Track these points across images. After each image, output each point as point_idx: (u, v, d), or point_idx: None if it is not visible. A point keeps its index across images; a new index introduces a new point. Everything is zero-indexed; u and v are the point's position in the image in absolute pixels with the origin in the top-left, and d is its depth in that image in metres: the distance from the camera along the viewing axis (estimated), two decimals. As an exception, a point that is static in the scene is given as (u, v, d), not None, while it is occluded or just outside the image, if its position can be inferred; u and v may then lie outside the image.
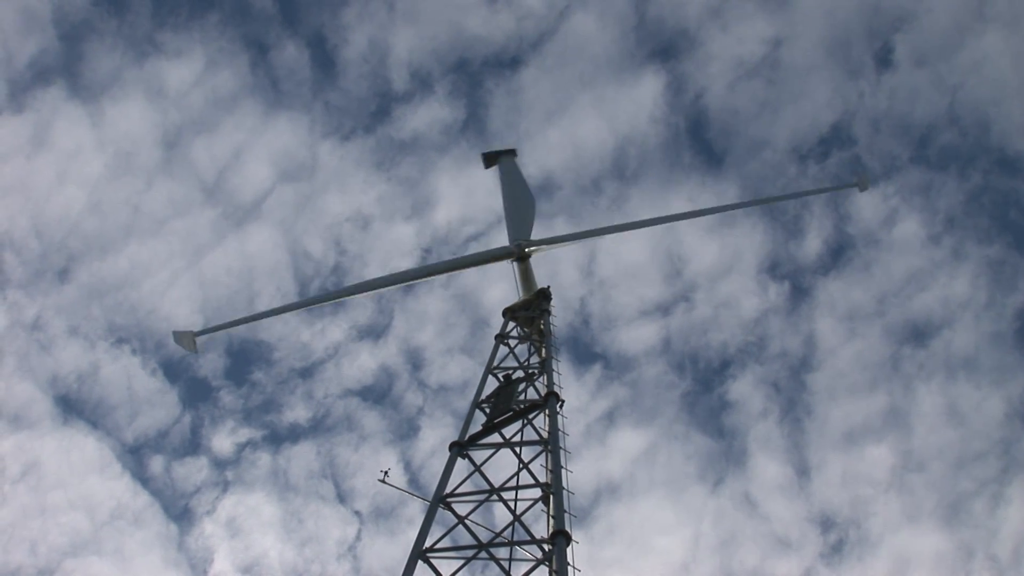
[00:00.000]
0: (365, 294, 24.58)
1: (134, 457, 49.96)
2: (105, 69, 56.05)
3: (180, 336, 23.24)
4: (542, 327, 21.70)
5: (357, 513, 47.99)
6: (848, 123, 55.48)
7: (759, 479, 47.40)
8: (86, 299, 52.46)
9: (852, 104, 55.69)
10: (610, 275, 50.63)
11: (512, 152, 30.58)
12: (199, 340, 23.23)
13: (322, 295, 25.41)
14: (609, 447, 47.22)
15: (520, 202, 27.07)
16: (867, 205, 51.85)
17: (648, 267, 52.39)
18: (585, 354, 49.01)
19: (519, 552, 14.83)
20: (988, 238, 51.40)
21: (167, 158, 56.20)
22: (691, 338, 51.53)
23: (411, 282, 24.53)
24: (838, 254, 53.05)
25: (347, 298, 24.10)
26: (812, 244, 52.68)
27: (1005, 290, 49.41)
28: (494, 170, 29.97)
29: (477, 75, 59.90)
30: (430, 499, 15.87)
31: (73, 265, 52.64)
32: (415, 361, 51.14)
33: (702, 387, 50.98)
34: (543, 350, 20.80)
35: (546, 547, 14.34)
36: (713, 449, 48.97)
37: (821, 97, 56.49)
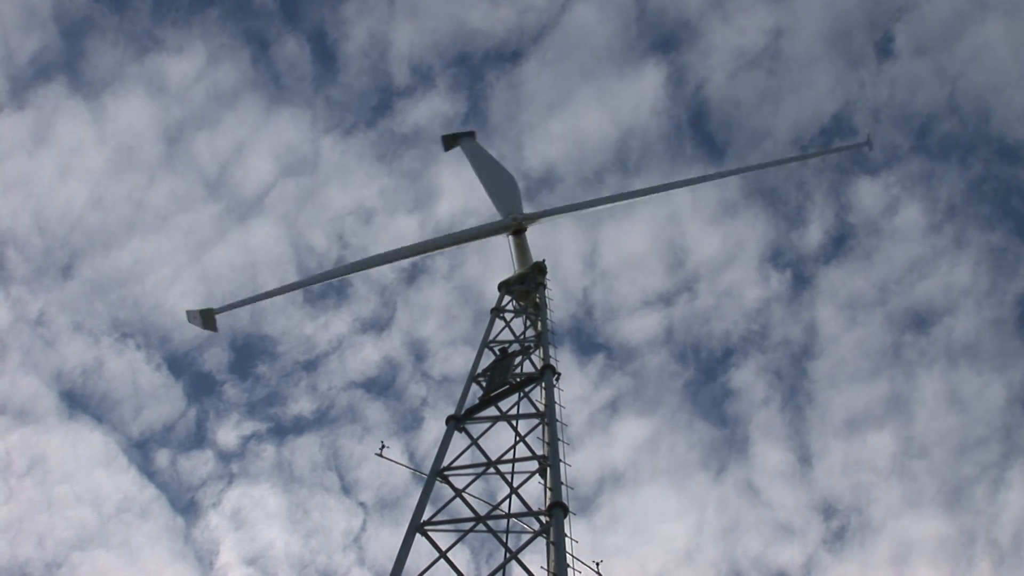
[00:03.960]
0: (365, 272, 24.50)
1: (140, 451, 50.35)
2: (106, 65, 56.22)
3: (196, 315, 21.60)
4: (537, 300, 21.69)
5: (362, 504, 48.36)
6: (849, 113, 55.57)
7: (761, 466, 47.86)
8: (89, 294, 52.69)
9: (853, 94, 55.73)
10: (612, 266, 50.86)
11: (471, 134, 30.49)
12: (218, 318, 21.60)
13: (332, 271, 25.42)
14: (612, 436, 47.55)
15: (499, 179, 26.94)
16: (868, 194, 52.00)
17: (650, 258, 52.58)
18: (588, 344, 49.21)
19: (516, 524, 14.92)
20: (989, 226, 51.56)
21: (169, 153, 56.41)
22: (693, 327, 51.80)
23: (413, 257, 24.55)
24: (840, 243, 53.31)
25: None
26: (814, 233, 52.92)
27: (1006, 277, 49.62)
28: (457, 153, 29.99)
29: (478, 69, 59.83)
30: (427, 473, 15.93)
31: (76, 261, 52.87)
32: (418, 353, 51.51)
33: (704, 376, 51.30)
34: (539, 323, 20.80)
35: (543, 519, 14.42)
36: (716, 437, 49.37)
37: (822, 87, 56.61)
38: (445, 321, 50.88)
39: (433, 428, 46.40)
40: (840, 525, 45.12)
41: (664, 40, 59.03)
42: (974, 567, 43.71)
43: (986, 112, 53.55)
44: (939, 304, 49.50)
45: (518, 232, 23.83)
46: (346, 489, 48.90)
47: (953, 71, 54.33)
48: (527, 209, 24.84)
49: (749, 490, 46.82)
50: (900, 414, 48.48)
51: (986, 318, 49.22)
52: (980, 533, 44.59)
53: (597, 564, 14.92)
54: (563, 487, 14.69)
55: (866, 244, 52.57)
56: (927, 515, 45.45)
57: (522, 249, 23.75)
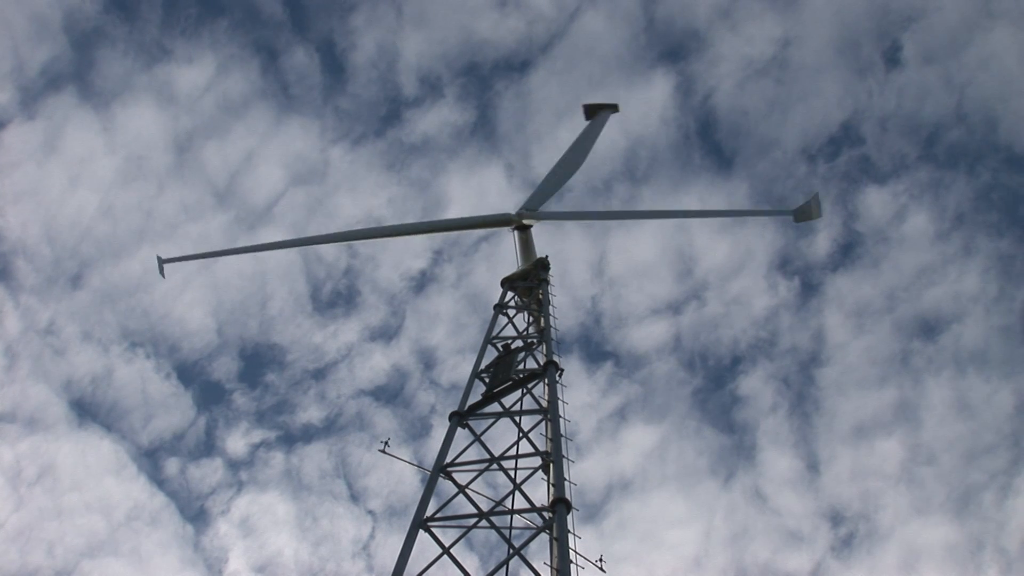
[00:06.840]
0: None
1: (149, 459, 50.34)
2: (116, 75, 56.51)
3: (160, 261, 25.41)
4: (540, 297, 21.67)
5: (370, 512, 48.33)
6: (857, 122, 55.40)
7: (769, 473, 47.70)
8: (99, 304, 52.79)
9: (861, 103, 55.58)
10: (621, 274, 50.87)
11: (613, 108, 30.30)
12: (166, 267, 25.22)
13: (312, 237, 25.98)
14: (620, 443, 47.51)
15: (567, 168, 26.78)
16: (876, 202, 51.95)
17: (659, 266, 52.57)
18: (596, 352, 49.14)
19: (519, 520, 14.91)
20: (997, 233, 51.50)
21: (178, 162, 56.61)
22: (702, 335, 51.67)
23: (413, 235, 24.82)
24: (848, 251, 53.16)
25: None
26: (822, 241, 52.74)
27: (1014, 284, 49.54)
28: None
29: (487, 78, 59.89)
30: (430, 469, 15.92)
31: (85, 270, 52.96)
32: (427, 361, 51.44)
33: (713, 383, 51.15)
34: (542, 320, 20.78)
35: (546, 515, 14.39)
36: (724, 444, 49.28)
37: (830, 96, 56.42)
38: (453, 329, 50.99)
39: (440, 435, 46.19)
40: (848, 532, 44.97)
41: (672, 49, 59.19)
42: (982, 574, 43.59)
43: (994, 120, 53.56)
44: (947, 311, 49.42)
45: (522, 229, 23.84)
46: (355, 497, 48.98)
47: (961, 80, 54.26)
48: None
49: (757, 497, 46.76)
50: (908, 421, 48.37)
51: (994, 325, 49.19)
52: (988, 540, 44.38)
53: (600, 560, 14.89)
54: (566, 483, 14.65)
55: (874, 252, 52.50)
56: (935, 522, 45.30)
57: (526, 246, 23.75)
